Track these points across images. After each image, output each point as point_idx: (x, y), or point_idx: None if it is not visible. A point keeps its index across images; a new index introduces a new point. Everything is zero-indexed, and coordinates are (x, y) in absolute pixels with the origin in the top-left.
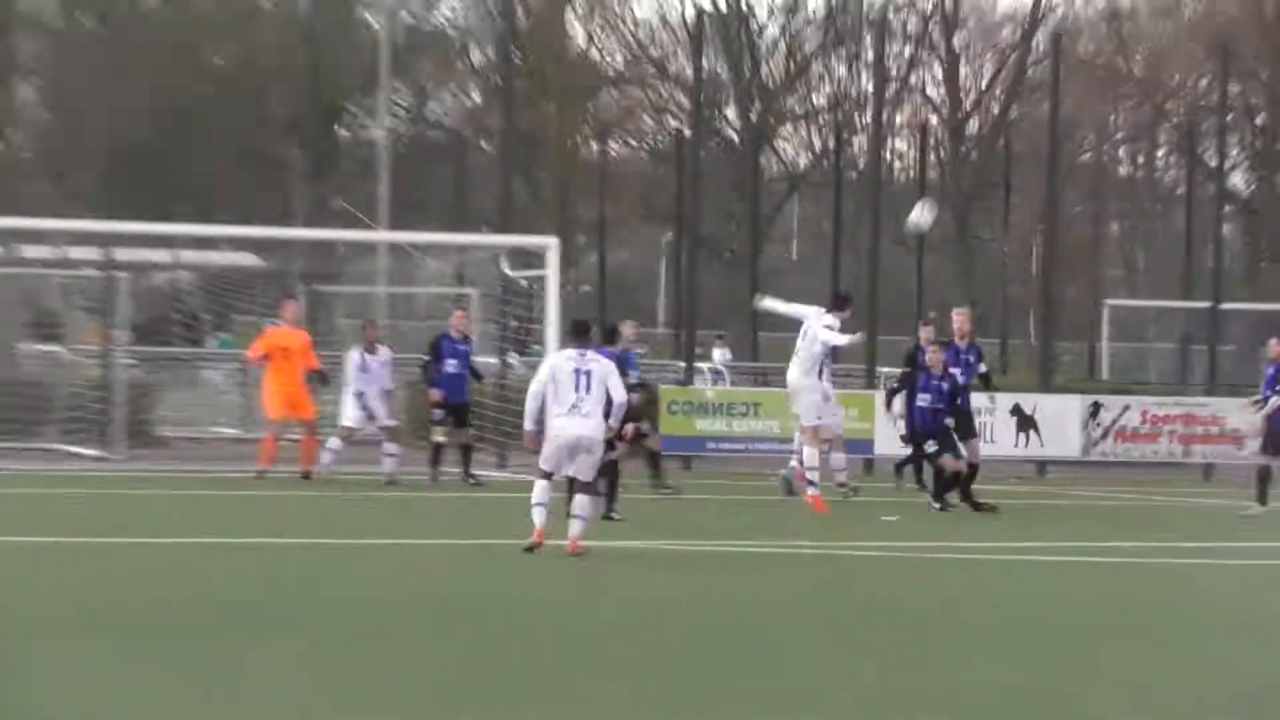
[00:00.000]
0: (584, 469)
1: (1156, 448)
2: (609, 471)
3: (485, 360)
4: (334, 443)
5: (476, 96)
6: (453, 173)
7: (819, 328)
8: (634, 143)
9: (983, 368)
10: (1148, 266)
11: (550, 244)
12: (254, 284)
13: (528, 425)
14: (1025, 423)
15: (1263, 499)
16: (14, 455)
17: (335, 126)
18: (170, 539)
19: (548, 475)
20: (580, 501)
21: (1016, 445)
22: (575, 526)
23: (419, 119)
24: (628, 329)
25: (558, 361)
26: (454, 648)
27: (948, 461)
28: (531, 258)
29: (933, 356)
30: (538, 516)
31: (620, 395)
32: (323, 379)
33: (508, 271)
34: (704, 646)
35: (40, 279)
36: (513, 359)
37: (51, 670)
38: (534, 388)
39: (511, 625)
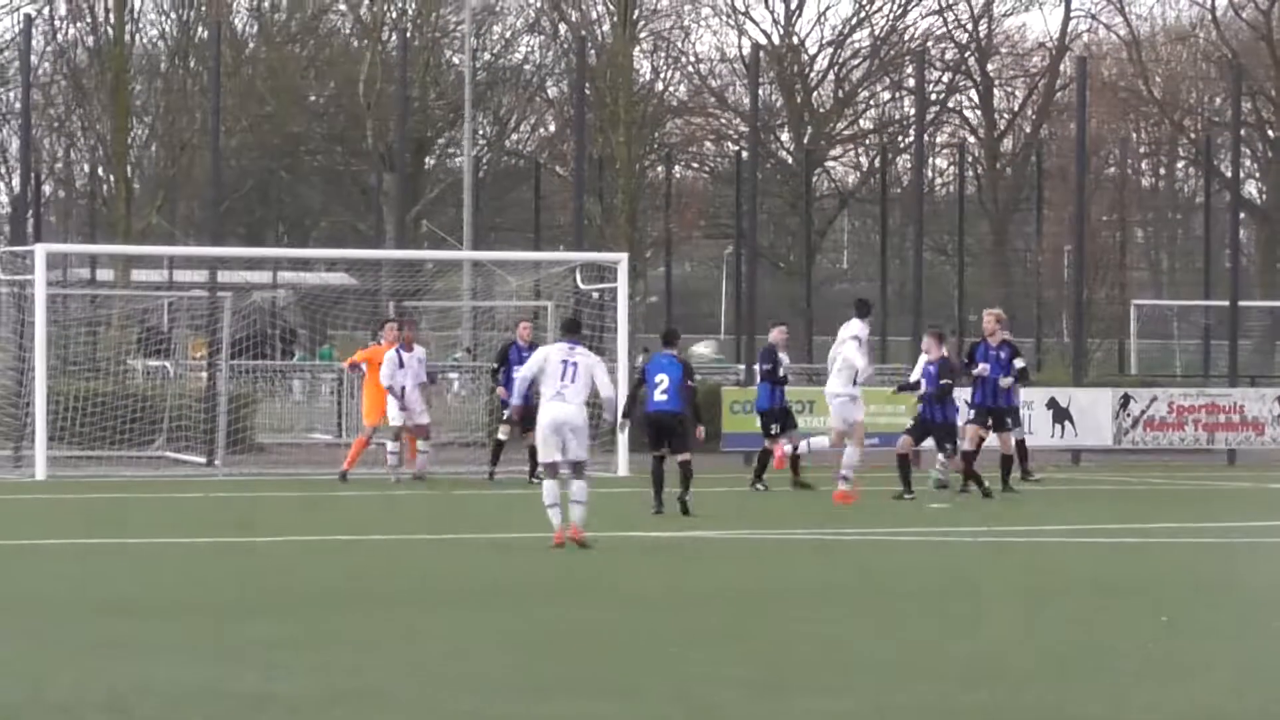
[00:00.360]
0: (576, 450)
1: (1183, 436)
2: (686, 472)
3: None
4: (392, 445)
5: (552, 126)
6: (530, 196)
7: (849, 346)
8: (696, 165)
9: (1019, 363)
10: (1171, 269)
11: (620, 259)
12: (346, 301)
13: (514, 400)
14: (1061, 415)
15: None
16: (126, 463)
17: (423, 156)
18: (305, 536)
19: (554, 472)
20: (578, 487)
21: (1053, 436)
22: (576, 512)
23: (499, 147)
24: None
25: (549, 352)
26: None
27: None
28: (603, 272)
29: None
30: (553, 517)
31: (607, 390)
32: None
33: (581, 285)
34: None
35: (151, 300)
36: None
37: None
38: (524, 372)
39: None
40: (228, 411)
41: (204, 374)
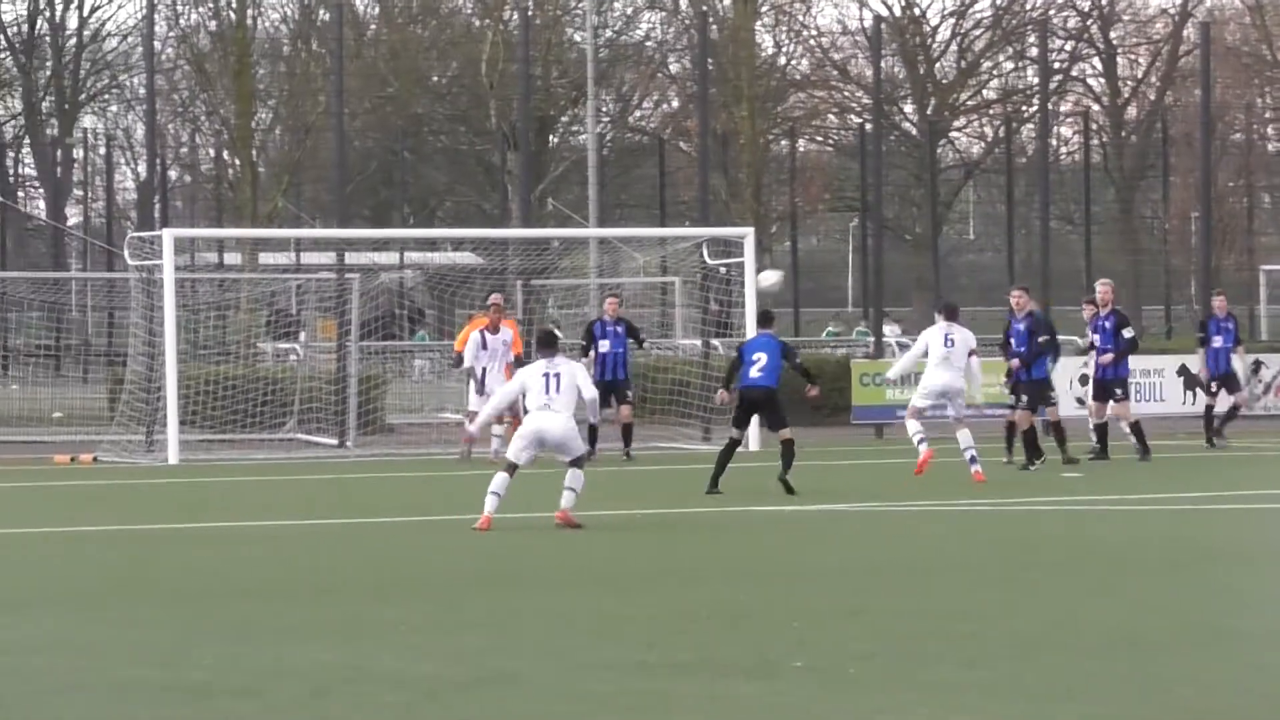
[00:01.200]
0: (566, 451)
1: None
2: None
3: (690, 343)
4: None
5: (675, 102)
6: (655, 172)
7: (967, 348)
8: (820, 139)
9: (1128, 333)
10: None
11: (746, 234)
12: (473, 280)
13: (488, 415)
14: (1191, 381)
15: None
16: (258, 446)
17: (547, 134)
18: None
19: (513, 468)
20: (572, 475)
21: (1184, 403)
22: (566, 498)
23: (623, 125)
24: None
25: (526, 376)
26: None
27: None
28: (729, 247)
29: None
30: (490, 504)
31: (590, 392)
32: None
33: (708, 260)
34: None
35: (278, 283)
36: (715, 342)
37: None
38: (500, 400)
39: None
40: (358, 393)
41: (333, 356)
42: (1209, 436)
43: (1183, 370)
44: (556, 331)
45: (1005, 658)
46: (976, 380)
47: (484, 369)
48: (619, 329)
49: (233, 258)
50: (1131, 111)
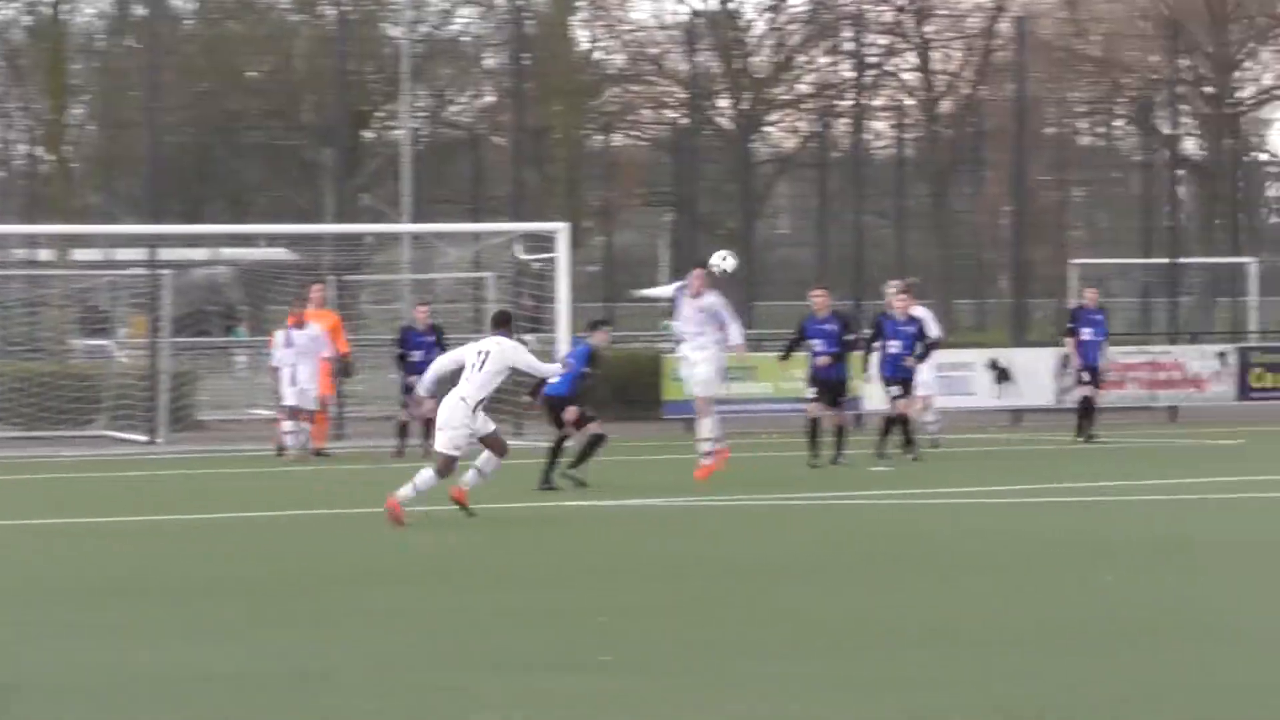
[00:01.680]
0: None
1: (1124, 394)
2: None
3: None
4: (288, 425)
5: (490, 97)
6: (469, 167)
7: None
8: (635, 133)
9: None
10: (1110, 227)
11: (560, 229)
12: (287, 276)
13: (421, 391)
14: (1002, 375)
15: None
16: (67, 443)
17: (361, 129)
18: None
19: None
20: (485, 457)
21: (994, 396)
22: (469, 475)
23: (438, 119)
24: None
25: (464, 350)
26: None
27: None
28: (543, 242)
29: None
30: (407, 490)
31: (543, 371)
32: (345, 368)
33: (521, 255)
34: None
35: (91, 279)
36: (527, 338)
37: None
38: (437, 368)
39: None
40: (169, 389)
41: (145, 352)
42: (1081, 428)
43: (993, 363)
44: (508, 311)
45: (824, 651)
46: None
47: (292, 365)
48: (431, 338)
49: (45, 253)
50: (946, 106)
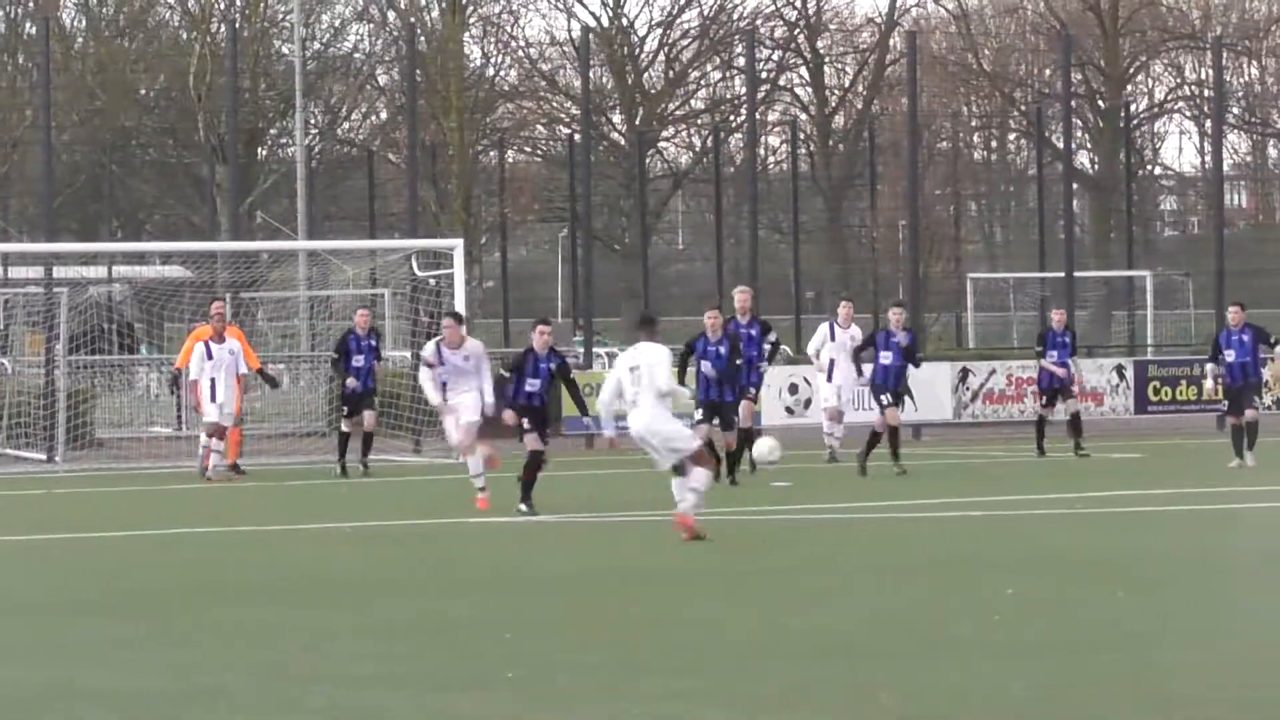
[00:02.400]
0: (671, 450)
1: (1022, 407)
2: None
3: (400, 354)
4: (216, 444)
5: (384, 114)
6: (364, 184)
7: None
8: (529, 149)
9: (772, 336)
10: (1005, 241)
11: (456, 245)
12: (183, 294)
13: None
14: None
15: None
16: None
17: (255, 147)
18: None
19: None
20: (695, 476)
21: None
22: (690, 500)
23: (332, 136)
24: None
25: (619, 369)
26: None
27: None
28: (439, 258)
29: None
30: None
31: (665, 385)
32: (271, 381)
33: (417, 272)
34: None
35: None
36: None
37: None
38: (605, 395)
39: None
40: (67, 407)
41: (42, 370)
42: (1040, 445)
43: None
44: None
45: (720, 665)
46: None
47: (211, 380)
48: (372, 342)
49: None
50: (839, 121)
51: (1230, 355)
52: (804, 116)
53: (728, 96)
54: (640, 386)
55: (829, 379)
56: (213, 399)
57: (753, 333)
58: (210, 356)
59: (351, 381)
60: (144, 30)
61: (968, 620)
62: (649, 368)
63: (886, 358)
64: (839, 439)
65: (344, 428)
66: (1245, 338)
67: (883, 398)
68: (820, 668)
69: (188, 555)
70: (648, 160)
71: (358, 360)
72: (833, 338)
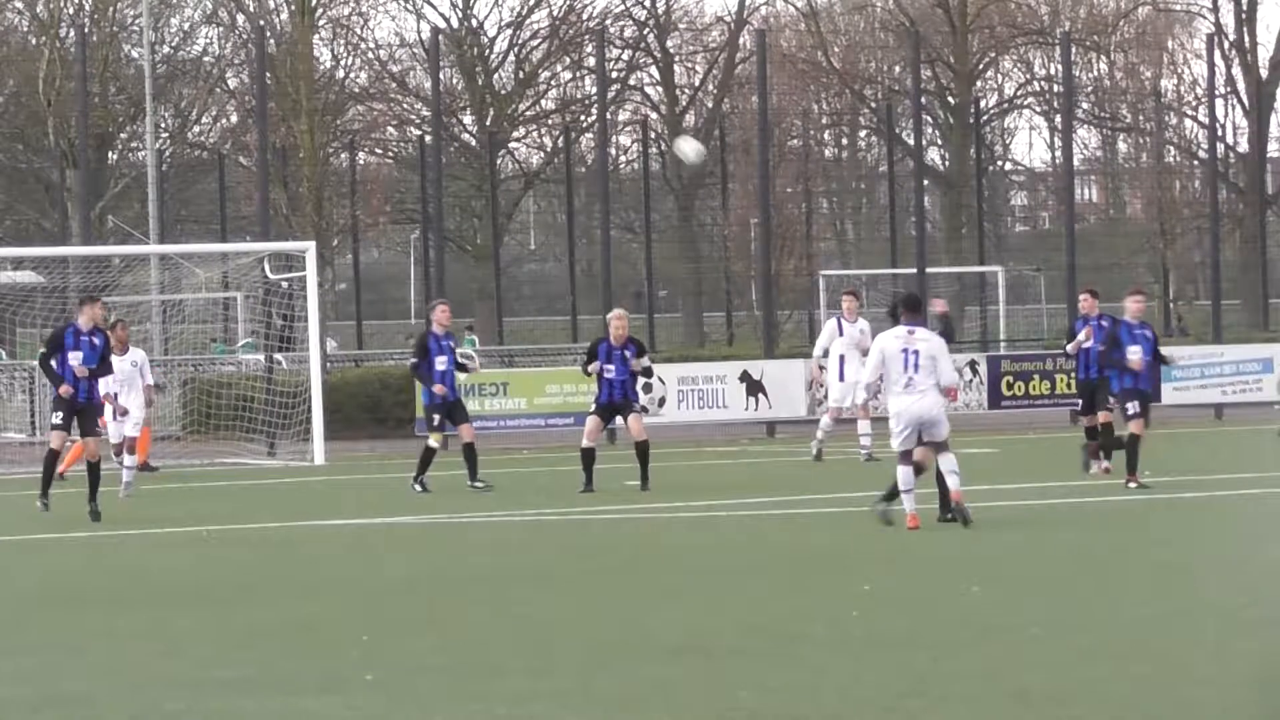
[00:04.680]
0: (935, 433)
1: (876, 404)
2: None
3: (254, 358)
4: (129, 460)
5: (234, 117)
6: (215, 187)
7: None
8: (380, 151)
9: (646, 361)
10: (857, 238)
11: (308, 247)
12: (34, 299)
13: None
14: (754, 388)
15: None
16: None
17: (106, 151)
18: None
19: (907, 459)
20: (946, 461)
21: (747, 409)
22: (952, 480)
23: (182, 140)
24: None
25: (885, 342)
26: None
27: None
28: (291, 261)
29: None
30: (909, 502)
31: (949, 378)
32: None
33: (270, 275)
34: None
35: None
36: (278, 356)
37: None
38: (869, 370)
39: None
40: None
41: None
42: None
43: (745, 376)
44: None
45: (576, 665)
46: None
47: (115, 394)
48: (451, 342)
49: None
50: (690, 119)
51: (1089, 344)
52: (655, 116)
53: (578, 96)
54: (918, 369)
55: (840, 378)
56: (116, 415)
57: (627, 353)
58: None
59: (439, 389)
60: None
61: (824, 617)
62: (930, 351)
63: (1136, 353)
64: (826, 436)
65: (432, 442)
66: (1105, 323)
67: (1129, 405)
68: (678, 666)
69: (42, 562)
70: (499, 161)
71: (440, 363)
72: (841, 333)
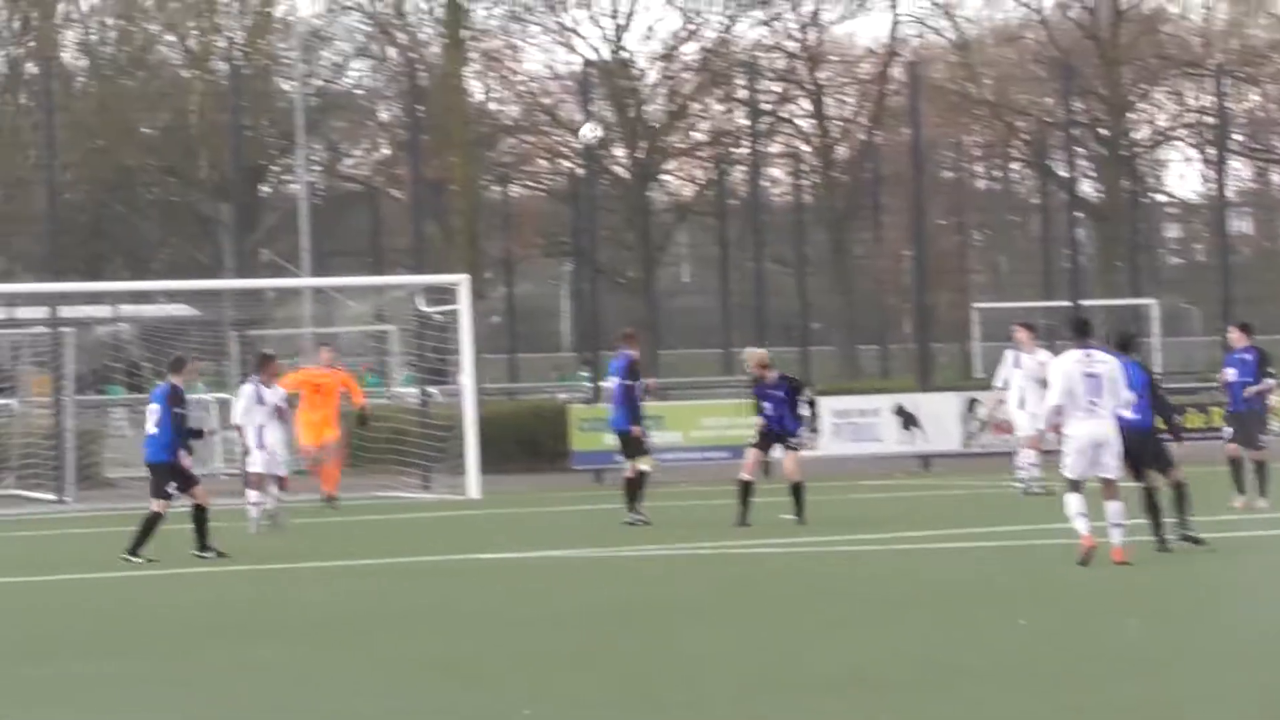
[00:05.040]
0: (1108, 466)
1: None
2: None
3: (407, 390)
4: (253, 495)
5: (386, 150)
6: (368, 220)
7: None
8: (532, 184)
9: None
10: (1010, 271)
11: (461, 281)
12: (188, 332)
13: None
14: (908, 420)
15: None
16: None
17: (258, 184)
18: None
19: (1079, 488)
20: (1114, 509)
21: (901, 442)
22: (1115, 535)
23: (334, 173)
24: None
25: (1067, 365)
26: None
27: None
28: (444, 294)
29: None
30: (1083, 525)
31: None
32: (362, 418)
33: (423, 308)
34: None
35: None
36: (431, 389)
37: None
38: (1053, 397)
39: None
40: (75, 447)
41: (49, 410)
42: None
43: (900, 409)
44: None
45: (733, 699)
46: None
47: (260, 427)
48: (779, 392)
49: None
50: (842, 151)
51: (1231, 375)
52: (806, 148)
53: (730, 129)
54: (1100, 393)
55: (1021, 406)
56: (260, 447)
57: (780, 394)
58: (261, 402)
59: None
60: (145, 69)
61: (981, 650)
62: (1110, 373)
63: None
64: (1034, 469)
65: (643, 466)
66: (1249, 358)
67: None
68: (836, 700)
69: (191, 595)
70: (651, 193)
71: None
72: (1018, 364)
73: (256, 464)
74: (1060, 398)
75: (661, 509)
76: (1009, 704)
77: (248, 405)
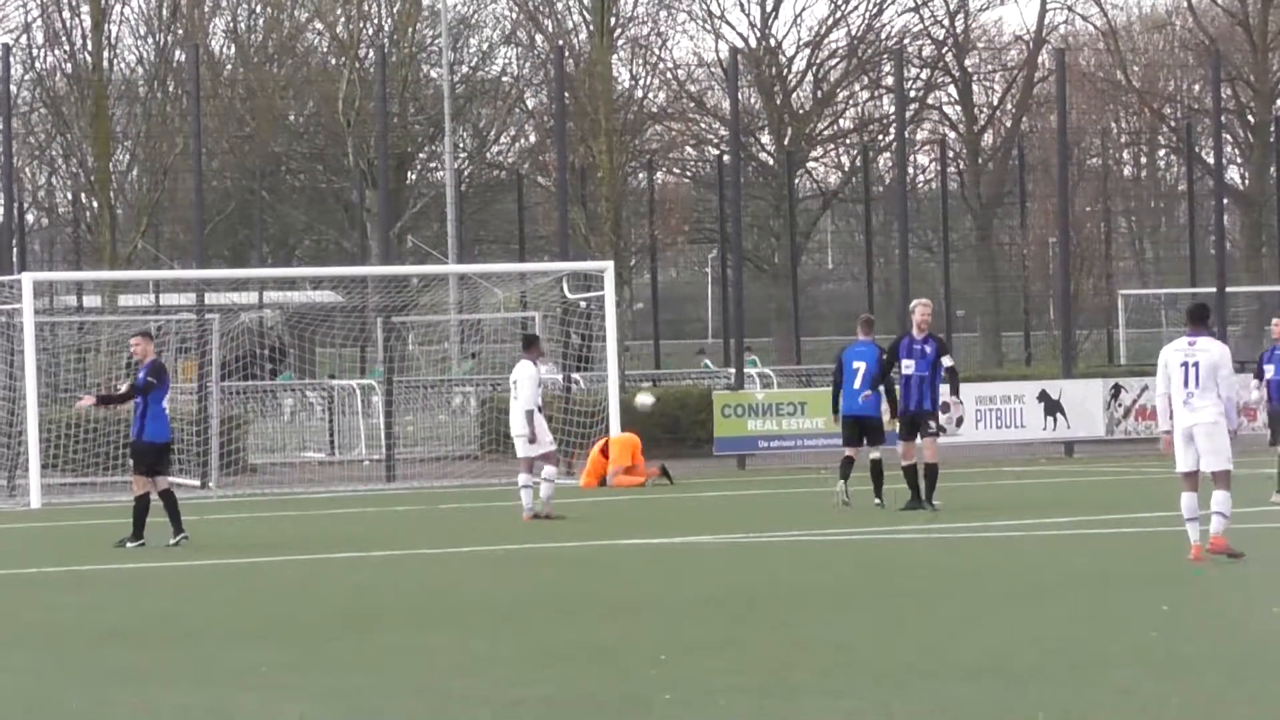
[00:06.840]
0: (1209, 460)
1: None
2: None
3: (552, 377)
4: (549, 471)
5: (533, 137)
6: (514, 207)
7: None
8: (678, 170)
9: (947, 361)
10: (1156, 257)
11: (606, 267)
12: (333, 318)
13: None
14: (1052, 407)
15: None
16: (120, 488)
17: (405, 171)
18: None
19: (1192, 484)
20: (1219, 498)
21: (1045, 428)
22: (1216, 523)
23: (481, 160)
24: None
25: (1167, 354)
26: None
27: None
28: (589, 280)
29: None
30: (1192, 531)
31: (1227, 390)
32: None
33: (568, 294)
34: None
35: (138, 325)
36: (576, 376)
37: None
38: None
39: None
40: (220, 433)
41: (195, 397)
42: None
43: (1043, 395)
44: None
45: (872, 687)
46: None
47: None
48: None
49: (92, 300)
50: (988, 139)
51: (1270, 371)
52: (953, 135)
53: (876, 116)
54: (1199, 383)
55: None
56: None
57: (927, 349)
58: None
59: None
60: (292, 56)
61: (1124, 638)
62: (1211, 362)
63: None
64: None
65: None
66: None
67: None
68: (977, 688)
69: (341, 580)
70: (797, 180)
71: (907, 367)
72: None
73: (546, 442)
74: (1163, 386)
75: (803, 496)
76: (1151, 691)
77: (533, 387)
